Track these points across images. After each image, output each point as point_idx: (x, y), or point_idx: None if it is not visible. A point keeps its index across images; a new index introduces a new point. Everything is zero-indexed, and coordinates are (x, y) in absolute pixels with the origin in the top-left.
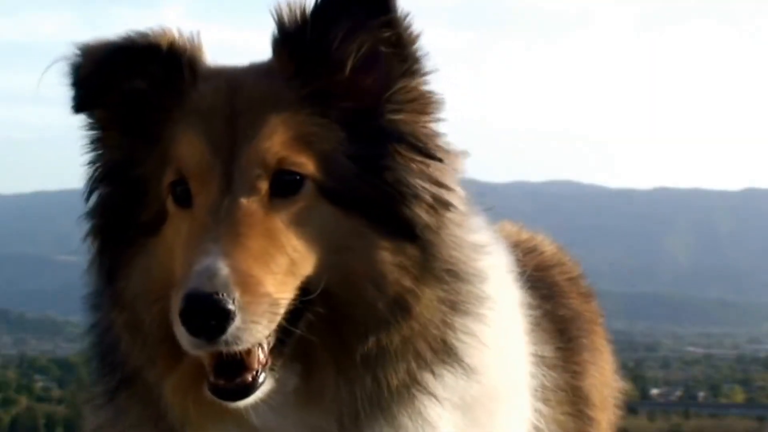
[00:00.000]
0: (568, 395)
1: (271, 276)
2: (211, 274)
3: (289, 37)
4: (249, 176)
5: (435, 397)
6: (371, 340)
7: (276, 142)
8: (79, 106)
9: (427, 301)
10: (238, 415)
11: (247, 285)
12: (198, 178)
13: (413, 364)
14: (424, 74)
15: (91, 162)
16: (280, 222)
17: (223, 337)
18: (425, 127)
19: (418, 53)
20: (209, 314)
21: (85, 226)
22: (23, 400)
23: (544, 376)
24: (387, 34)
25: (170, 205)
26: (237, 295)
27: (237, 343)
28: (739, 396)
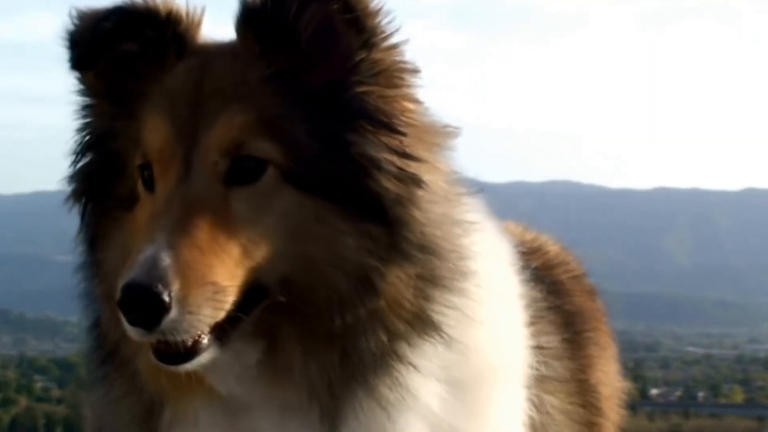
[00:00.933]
0: (575, 386)
1: (219, 265)
2: (151, 264)
3: (251, 15)
4: (206, 163)
5: (414, 366)
6: (336, 320)
7: (235, 126)
8: (76, 63)
9: (395, 278)
10: (208, 388)
11: (188, 276)
12: (160, 163)
13: (384, 338)
14: (390, 45)
15: (80, 129)
16: (236, 210)
17: (159, 328)
18: (393, 99)
19: (379, 25)
20: (144, 305)
21: (67, 189)
22: (23, 400)
23: (548, 366)
24: (337, 6)
25: (140, 187)
26: (175, 286)
27: (175, 334)
28: (739, 396)
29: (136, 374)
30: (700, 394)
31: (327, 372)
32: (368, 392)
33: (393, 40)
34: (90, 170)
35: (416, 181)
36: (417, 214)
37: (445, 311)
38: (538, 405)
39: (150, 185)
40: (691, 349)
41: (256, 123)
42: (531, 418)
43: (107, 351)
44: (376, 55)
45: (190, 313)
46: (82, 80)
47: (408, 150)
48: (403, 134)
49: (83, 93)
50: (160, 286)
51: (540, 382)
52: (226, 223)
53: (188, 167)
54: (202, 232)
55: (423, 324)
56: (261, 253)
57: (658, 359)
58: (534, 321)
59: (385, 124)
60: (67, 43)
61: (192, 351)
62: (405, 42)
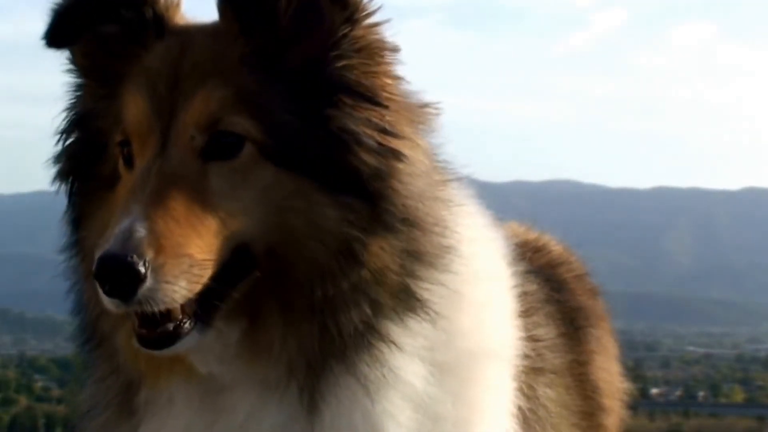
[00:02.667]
0: (574, 379)
1: (196, 238)
2: (126, 235)
3: None
4: (183, 138)
5: (396, 345)
6: (317, 292)
7: (213, 102)
8: (49, 39)
9: (378, 249)
10: (186, 368)
11: (163, 246)
12: (138, 139)
13: (368, 311)
14: (372, 23)
15: (69, 108)
16: (213, 184)
17: (136, 298)
18: (373, 75)
19: (361, 1)
20: (119, 275)
21: (53, 168)
22: (23, 400)
23: (543, 358)
24: None
25: (120, 165)
26: (150, 256)
27: (152, 304)
28: (739, 396)
29: (115, 353)
30: (700, 394)
31: (306, 347)
32: (347, 369)
33: (374, 18)
34: (75, 150)
35: (396, 155)
36: (398, 186)
37: (430, 288)
38: (531, 396)
39: (129, 162)
40: (691, 348)
41: (234, 99)
42: (521, 408)
43: (89, 329)
44: (358, 31)
45: (166, 282)
46: (71, 59)
47: (388, 125)
48: (385, 107)
49: (73, 72)
50: (134, 256)
51: (534, 373)
52: (203, 197)
53: (165, 143)
54: (178, 204)
55: (408, 299)
56: (241, 226)
57: (658, 359)
58: (529, 312)
59: (366, 97)
60: (46, 18)
61: (174, 335)
62: (386, 21)
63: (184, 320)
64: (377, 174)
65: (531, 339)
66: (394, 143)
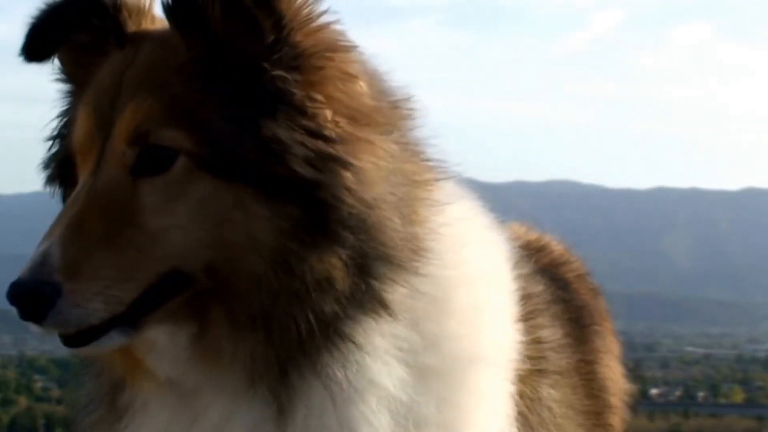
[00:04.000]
0: (581, 379)
1: (118, 258)
2: (40, 260)
3: (170, 1)
4: (115, 154)
5: (362, 347)
6: (256, 304)
7: (140, 115)
8: (27, 54)
9: (317, 261)
10: (150, 369)
11: (74, 271)
12: (81, 158)
13: (311, 319)
14: (314, 27)
15: (59, 114)
16: (144, 200)
17: (47, 322)
18: (312, 83)
19: (292, 7)
20: (27, 301)
21: (43, 173)
22: (23, 400)
23: (547, 360)
24: None
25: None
26: (60, 281)
27: (65, 326)
28: (739, 396)
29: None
30: (700, 394)
31: (258, 354)
32: (309, 372)
33: (317, 22)
34: (60, 156)
35: (342, 163)
36: (345, 196)
37: (398, 290)
38: (534, 398)
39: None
40: (690, 349)
41: (164, 110)
42: (521, 412)
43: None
44: (296, 37)
45: (77, 306)
46: (60, 67)
47: (327, 132)
48: (319, 116)
49: (61, 79)
50: (42, 283)
51: (538, 375)
52: (131, 215)
53: (99, 160)
54: (100, 224)
55: (365, 302)
56: (176, 242)
57: (658, 359)
58: (533, 315)
59: (299, 106)
60: (24, 32)
61: (90, 335)
62: (334, 21)
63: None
64: (316, 184)
65: (534, 342)
66: (339, 150)
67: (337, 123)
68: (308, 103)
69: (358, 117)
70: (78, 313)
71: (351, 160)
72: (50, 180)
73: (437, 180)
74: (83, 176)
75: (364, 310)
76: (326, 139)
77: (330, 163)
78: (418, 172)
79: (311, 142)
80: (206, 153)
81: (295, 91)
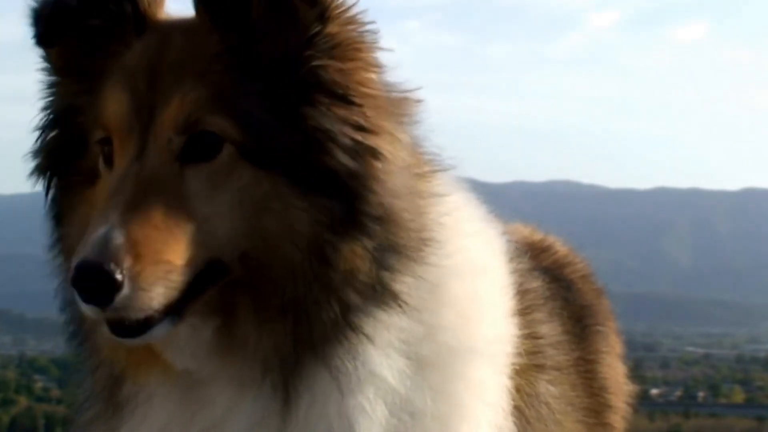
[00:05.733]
0: (580, 376)
1: (173, 244)
2: (103, 243)
3: None
4: (161, 140)
5: (369, 338)
6: (289, 293)
7: (190, 102)
8: (40, 39)
9: (349, 252)
10: (164, 363)
11: (140, 254)
12: (118, 139)
13: (337, 310)
14: (347, 18)
15: (44, 108)
16: (191, 188)
17: (112, 306)
18: (349, 72)
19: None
20: (95, 283)
21: (30, 164)
22: (23, 400)
23: (545, 356)
24: None
25: (100, 163)
26: (128, 263)
27: (128, 311)
28: (739, 396)
29: (100, 348)
30: (700, 394)
31: (280, 345)
32: (321, 363)
33: (350, 13)
34: (54, 145)
35: (374, 153)
36: (375, 186)
37: (407, 280)
38: (531, 394)
39: (109, 161)
40: (690, 349)
41: (211, 99)
42: (518, 407)
43: (75, 325)
44: (332, 28)
45: (142, 290)
46: (46, 58)
47: (364, 122)
48: (359, 106)
49: (48, 71)
50: (112, 264)
51: (535, 370)
52: (181, 202)
53: (144, 145)
54: (156, 210)
55: (380, 294)
56: (218, 230)
57: (658, 359)
58: (530, 310)
59: (341, 96)
60: (31, 19)
61: (145, 325)
62: (363, 12)
63: (156, 312)
64: (354, 174)
65: (531, 336)
66: (372, 140)
67: (365, 113)
68: (349, 93)
69: (381, 108)
70: (143, 297)
71: (380, 150)
72: (39, 170)
73: (435, 172)
74: (123, 159)
75: (377, 301)
76: (362, 129)
77: (364, 153)
78: (418, 164)
79: (351, 131)
80: (249, 142)
81: (337, 80)
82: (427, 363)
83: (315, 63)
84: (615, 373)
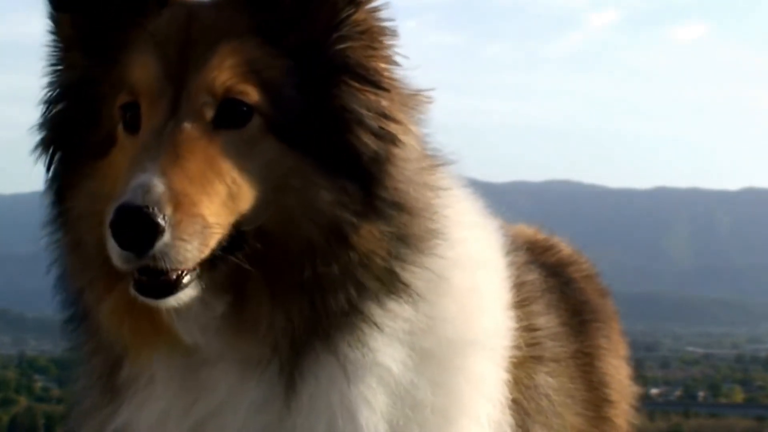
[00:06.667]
0: (579, 369)
1: (207, 200)
2: (145, 188)
3: None
4: (195, 102)
5: (378, 326)
6: (307, 271)
7: (225, 70)
8: (55, 2)
9: (367, 233)
10: (171, 338)
11: (180, 203)
12: (148, 101)
13: (353, 293)
14: (373, 7)
15: (51, 83)
16: (222, 151)
17: (152, 252)
18: (374, 59)
19: None
20: (138, 226)
21: (36, 138)
22: (23, 400)
23: (543, 347)
24: None
25: (120, 130)
26: (169, 211)
27: (165, 260)
28: (739, 396)
29: (99, 330)
30: (700, 394)
31: (292, 325)
32: (329, 348)
33: (376, 2)
34: (61, 119)
35: (393, 140)
36: (392, 171)
37: (415, 271)
38: (530, 386)
39: (132, 127)
40: (690, 348)
41: (243, 69)
42: (516, 400)
43: (73, 305)
44: (361, 14)
45: (181, 239)
46: (55, 29)
47: (387, 109)
48: (386, 90)
49: (55, 44)
50: (155, 209)
51: (534, 362)
52: (213, 163)
53: (176, 107)
54: (192, 166)
55: (393, 282)
56: (245, 198)
57: (658, 359)
58: (527, 302)
59: (369, 80)
60: None
61: (174, 285)
62: (385, 5)
63: (184, 273)
64: (375, 157)
65: (529, 329)
66: (392, 127)
67: (391, 99)
68: (377, 79)
69: (399, 98)
70: (181, 247)
71: (400, 137)
72: (44, 143)
73: (437, 166)
74: (153, 121)
75: (388, 290)
76: (386, 116)
77: (387, 139)
78: (424, 157)
79: (377, 116)
80: (277, 116)
81: (366, 65)
82: (429, 355)
83: (343, 45)
84: (617, 371)
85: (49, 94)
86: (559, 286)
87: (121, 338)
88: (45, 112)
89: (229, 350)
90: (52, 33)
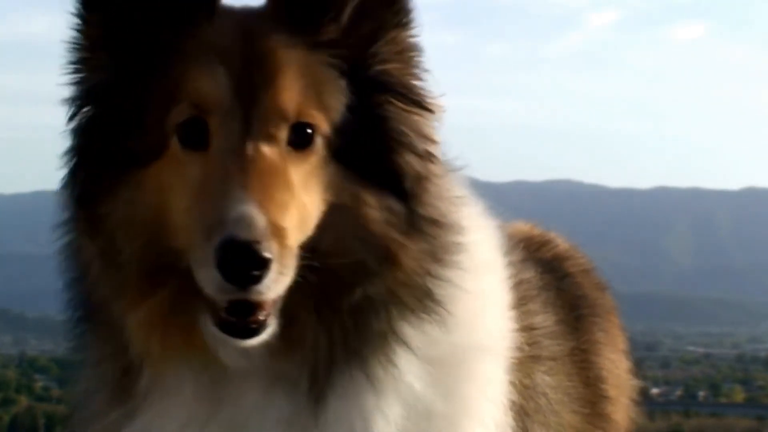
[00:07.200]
0: (575, 365)
1: (293, 229)
2: (249, 221)
3: None
4: (270, 124)
5: (409, 347)
6: (358, 292)
7: (296, 92)
8: (86, 3)
9: (412, 251)
10: (202, 353)
11: (279, 236)
12: (218, 116)
13: (394, 313)
14: (413, 27)
15: (76, 83)
16: (295, 175)
17: (257, 287)
18: (412, 77)
19: (409, 5)
20: (249, 262)
21: (66, 144)
22: (23, 400)
23: (540, 346)
24: None
25: (175, 144)
26: (274, 246)
27: (267, 293)
28: (739, 395)
29: (116, 336)
30: (701, 394)
31: (334, 348)
32: (360, 366)
33: (412, 21)
34: (95, 124)
35: (432, 158)
36: (430, 188)
37: (443, 286)
38: (529, 386)
39: (195, 144)
40: (691, 348)
41: (309, 91)
42: (516, 402)
43: (88, 310)
44: (402, 34)
45: (282, 274)
46: (82, 28)
47: (427, 129)
48: (432, 111)
49: (79, 43)
50: (264, 244)
51: (532, 362)
52: (291, 188)
53: (248, 126)
54: (278, 193)
55: (428, 300)
56: (310, 222)
57: (659, 359)
58: (524, 301)
59: (413, 100)
60: None
61: (261, 326)
62: (419, 25)
63: (270, 314)
64: (417, 176)
65: (526, 329)
66: (431, 147)
67: (433, 118)
68: (421, 98)
69: (431, 115)
70: (282, 282)
71: (436, 154)
72: (75, 149)
73: (450, 173)
74: (226, 140)
75: (423, 309)
76: (427, 137)
77: (427, 158)
78: (445, 169)
79: (421, 137)
80: (334, 138)
81: (409, 84)
82: (440, 363)
83: (385, 65)
84: (614, 366)
85: (74, 94)
86: (555, 281)
87: (147, 349)
88: (73, 116)
89: (264, 368)
90: (77, 31)
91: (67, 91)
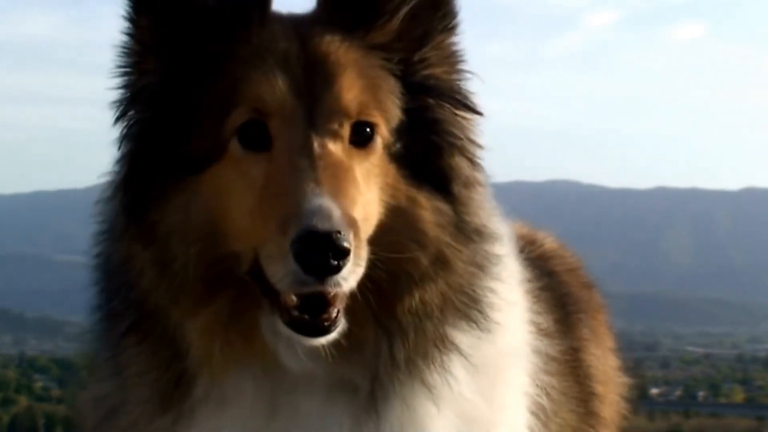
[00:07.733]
0: (567, 365)
1: (362, 222)
2: (328, 213)
3: None
4: (333, 122)
5: (461, 353)
6: (415, 297)
7: (356, 90)
8: (137, 7)
9: (464, 256)
10: (263, 358)
11: (354, 227)
12: (281, 119)
13: (450, 319)
14: (458, 33)
15: (123, 86)
16: (358, 173)
17: (335, 277)
18: (461, 82)
19: (455, 10)
20: (330, 252)
21: (117, 150)
22: (23, 400)
23: (544, 345)
24: None
25: (235, 147)
26: (351, 236)
27: (342, 285)
28: (739, 395)
29: (168, 345)
30: (700, 394)
31: (392, 351)
32: (419, 374)
33: (457, 27)
34: (147, 128)
35: (478, 166)
36: (475, 196)
37: (489, 296)
38: (539, 386)
39: (256, 145)
40: (691, 348)
41: (368, 91)
42: (538, 403)
43: (136, 319)
44: (448, 38)
45: (357, 265)
46: (133, 32)
47: (475, 134)
48: (481, 114)
49: (129, 47)
50: (343, 234)
51: (542, 363)
52: (357, 184)
53: (312, 125)
54: (347, 188)
55: (478, 307)
56: (372, 221)
57: (658, 359)
58: (530, 300)
59: (465, 104)
60: None
61: (332, 324)
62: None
63: (341, 312)
64: (466, 182)
65: (535, 328)
66: (478, 153)
67: (476, 122)
68: (471, 102)
69: (475, 123)
70: (356, 272)
71: (481, 162)
72: (128, 157)
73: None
74: (291, 139)
75: (475, 318)
76: (474, 141)
77: (476, 164)
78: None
79: (470, 141)
80: (390, 138)
81: (456, 88)
82: (479, 369)
83: (433, 69)
84: (603, 363)
85: (121, 97)
86: (546, 282)
87: (208, 357)
88: (118, 119)
89: (325, 374)
90: (128, 35)
91: (114, 95)
